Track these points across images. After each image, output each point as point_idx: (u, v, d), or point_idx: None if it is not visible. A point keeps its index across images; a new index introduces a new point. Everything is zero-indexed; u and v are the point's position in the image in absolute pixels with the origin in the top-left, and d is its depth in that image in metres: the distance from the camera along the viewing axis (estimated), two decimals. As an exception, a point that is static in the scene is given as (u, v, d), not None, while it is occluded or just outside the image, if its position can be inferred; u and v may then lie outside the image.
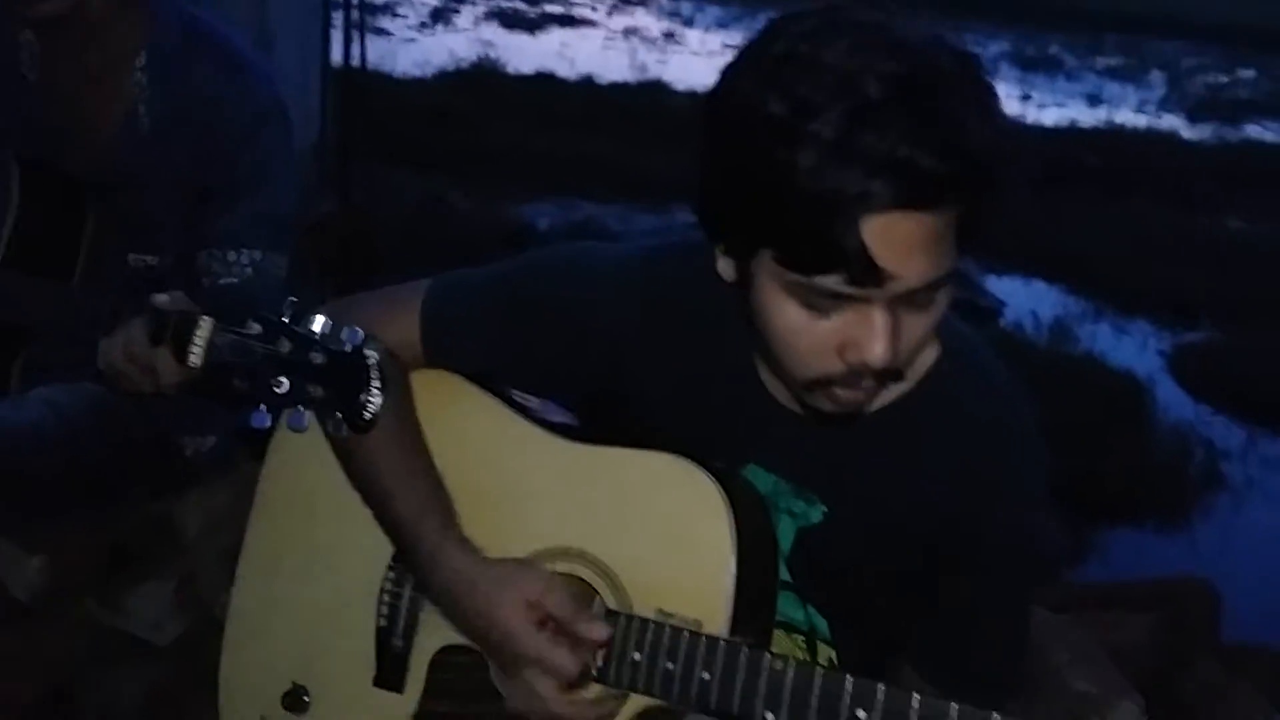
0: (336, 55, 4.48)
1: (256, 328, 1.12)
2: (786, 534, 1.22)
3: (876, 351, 0.99)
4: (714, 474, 1.17)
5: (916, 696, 1.03)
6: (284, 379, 1.10)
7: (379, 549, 1.27)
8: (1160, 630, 1.88)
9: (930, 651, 1.20)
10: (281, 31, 3.65)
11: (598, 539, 1.19)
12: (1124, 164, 9.07)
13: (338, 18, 4.47)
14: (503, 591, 1.16)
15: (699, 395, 1.21)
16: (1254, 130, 11.12)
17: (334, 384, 1.10)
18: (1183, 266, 6.80)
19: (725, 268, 1.07)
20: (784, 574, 1.23)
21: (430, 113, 7.74)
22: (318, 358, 1.10)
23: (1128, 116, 11.28)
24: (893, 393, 1.15)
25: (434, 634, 1.26)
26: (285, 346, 1.11)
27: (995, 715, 1.00)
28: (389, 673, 1.28)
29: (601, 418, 1.28)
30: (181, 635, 1.79)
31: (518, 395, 1.31)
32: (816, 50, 0.94)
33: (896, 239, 0.94)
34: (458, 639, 1.25)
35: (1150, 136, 10.29)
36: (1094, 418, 4.84)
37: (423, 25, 13.84)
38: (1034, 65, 14.19)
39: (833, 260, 0.95)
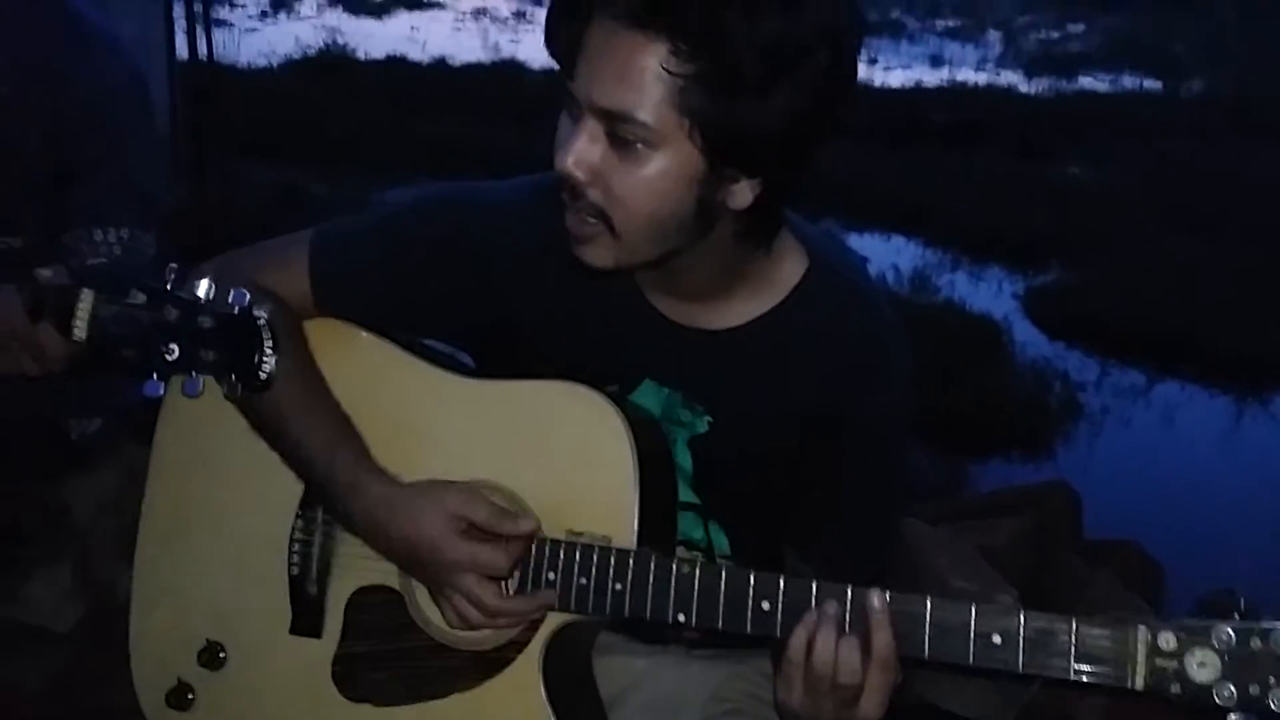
0: (181, 49, 4.36)
1: (140, 296, 1.11)
2: (683, 450, 1.28)
3: (565, 156, 1.08)
4: (611, 397, 1.22)
5: (815, 583, 1.10)
6: (174, 346, 1.09)
7: (284, 498, 1.29)
8: (1028, 532, 2.01)
9: (809, 535, 1.27)
10: (124, 25, 3.53)
11: (505, 470, 1.23)
12: (969, 119, 9.41)
13: (179, 10, 4.35)
14: (425, 508, 1.18)
15: (591, 319, 1.26)
16: (1087, 81, 11.64)
17: (226, 347, 1.10)
18: (1030, 213, 7.12)
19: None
20: (690, 497, 1.29)
21: (281, 101, 7.55)
22: (206, 321, 1.10)
23: (969, 75, 11.69)
24: (767, 302, 1.22)
25: (348, 576, 1.29)
26: (172, 313, 1.10)
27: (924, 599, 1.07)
28: (305, 619, 1.30)
29: (497, 354, 1.31)
30: (80, 619, 1.76)
31: (421, 342, 1.33)
32: None
33: (602, 49, 1.04)
34: (372, 579, 1.27)
35: (991, 92, 10.67)
36: (958, 360, 5.07)
37: (264, 14, 13.43)
38: (877, 30, 14.55)
39: (565, 55, 1.07)
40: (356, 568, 1.28)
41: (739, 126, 1.04)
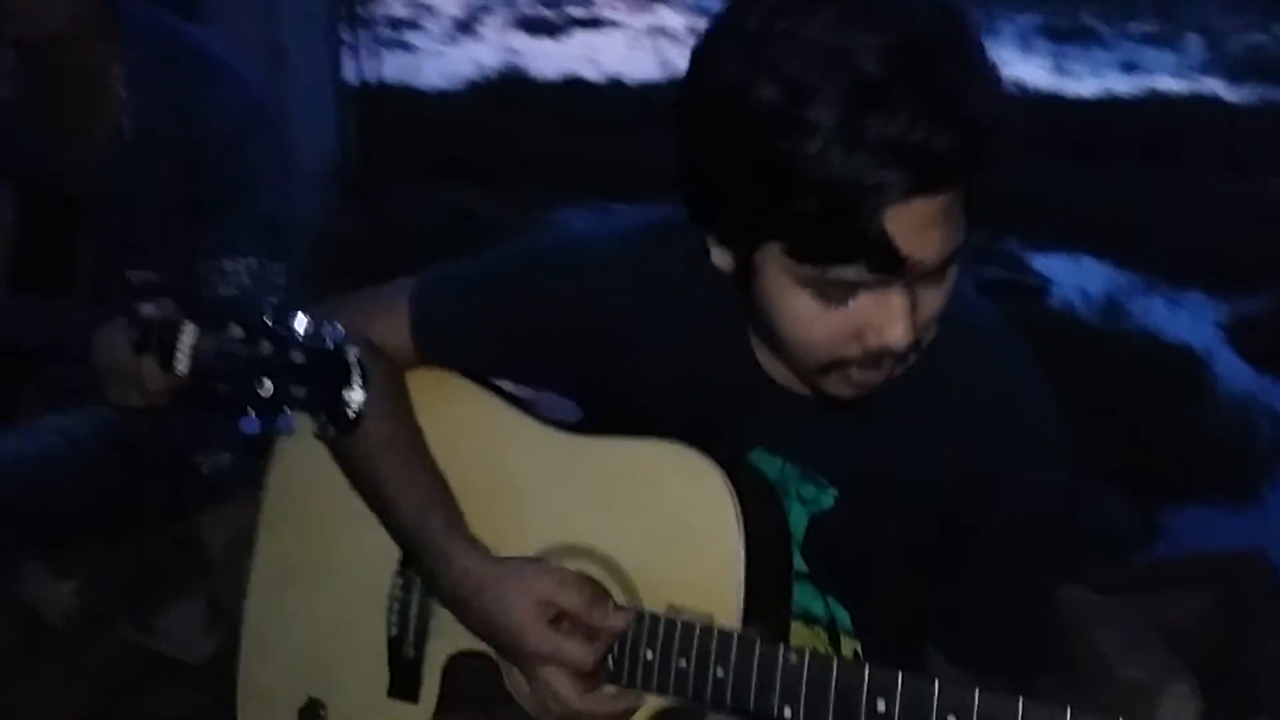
0: (356, 73, 4.48)
1: (239, 331, 1.10)
2: (799, 521, 1.18)
3: (898, 334, 0.95)
4: (719, 460, 1.13)
5: (937, 683, 0.98)
6: (267, 381, 1.08)
7: (385, 556, 1.25)
8: (1216, 608, 1.80)
9: (954, 633, 1.16)
10: (295, 51, 3.66)
11: (604, 534, 1.16)
12: (1166, 131, 8.87)
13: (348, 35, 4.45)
14: (513, 590, 1.13)
15: (697, 378, 1.18)
16: (1300, 88, 10.82)
17: (315, 382, 1.07)
18: (1233, 233, 6.64)
19: (721, 258, 1.02)
20: (800, 564, 1.19)
21: (458, 124, 7.75)
22: (298, 357, 1.07)
23: (1167, 83, 11.03)
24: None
25: (445, 640, 1.24)
26: (266, 348, 1.08)
27: (1021, 700, 0.95)
28: (403, 682, 1.25)
29: (601, 408, 1.25)
30: (215, 653, 1.79)
31: (515, 389, 1.28)
32: (797, 24, 0.88)
33: (915, 224, 0.89)
34: (470, 645, 1.22)
35: (1191, 101, 10.04)
36: (1151, 395, 4.74)
37: (447, 37, 13.91)
38: (1066, 36, 13.94)
39: (851, 252, 0.90)
40: (453, 631, 1.22)
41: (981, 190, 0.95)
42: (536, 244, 1.26)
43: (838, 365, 1.00)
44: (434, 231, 5.23)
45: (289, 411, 1.09)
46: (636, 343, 1.18)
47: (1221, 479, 4.16)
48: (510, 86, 9.48)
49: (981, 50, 0.94)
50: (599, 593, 1.14)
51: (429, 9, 16.06)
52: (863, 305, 0.95)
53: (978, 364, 1.12)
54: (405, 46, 12.58)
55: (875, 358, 0.98)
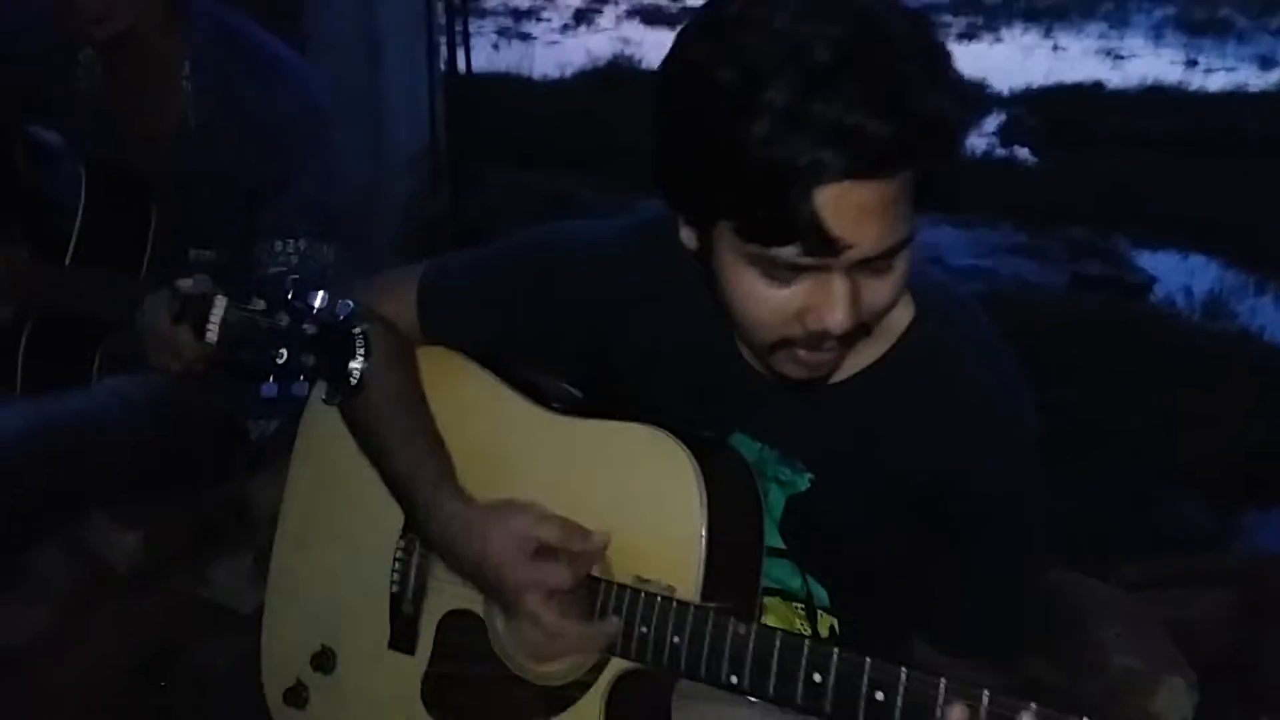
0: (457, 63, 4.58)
1: (261, 304, 1.22)
2: (777, 502, 1.23)
3: (837, 318, 0.99)
4: (696, 442, 1.19)
5: (868, 660, 1.03)
6: (283, 350, 1.19)
7: (393, 518, 1.34)
8: (1234, 608, 1.78)
9: (932, 613, 1.20)
10: (391, 39, 3.80)
11: (580, 509, 1.23)
12: (1293, 127, 8.46)
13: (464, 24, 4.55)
14: (495, 529, 1.20)
15: (686, 365, 1.23)
16: None
17: (324, 352, 1.18)
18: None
19: (687, 237, 1.07)
20: (778, 541, 1.24)
21: (562, 111, 7.86)
22: (310, 329, 1.18)
23: (1302, 78, 10.53)
24: (869, 354, 1.15)
25: (441, 598, 1.32)
26: (284, 320, 1.20)
27: (942, 681, 0.98)
28: (401, 636, 1.34)
29: (598, 391, 1.31)
30: (260, 602, 1.91)
31: (517, 369, 1.35)
32: (767, 13, 0.93)
33: (850, 208, 0.93)
34: (463, 604, 1.30)
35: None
36: (1247, 396, 4.59)
37: (565, 27, 14.04)
38: (1202, 29, 13.38)
39: (788, 232, 0.94)
40: (447, 591, 1.31)
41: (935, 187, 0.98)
42: (538, 236, 1.33)
43: (784, 344, 1.04)
44: (525, 214, 5.35)
45: (303, 379, 1.19)
46: (631, 331, 1.25)
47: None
48: (617, 75, 9.55)
49: (941, 53, 0.97)
50: (574, 526, 1.21)
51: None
52: (806, 287, 0.99)
53: (954, 352, 1.15)
54: (524, 37, 12.77)
55: (817, 339, 1.02)
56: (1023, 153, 8.49)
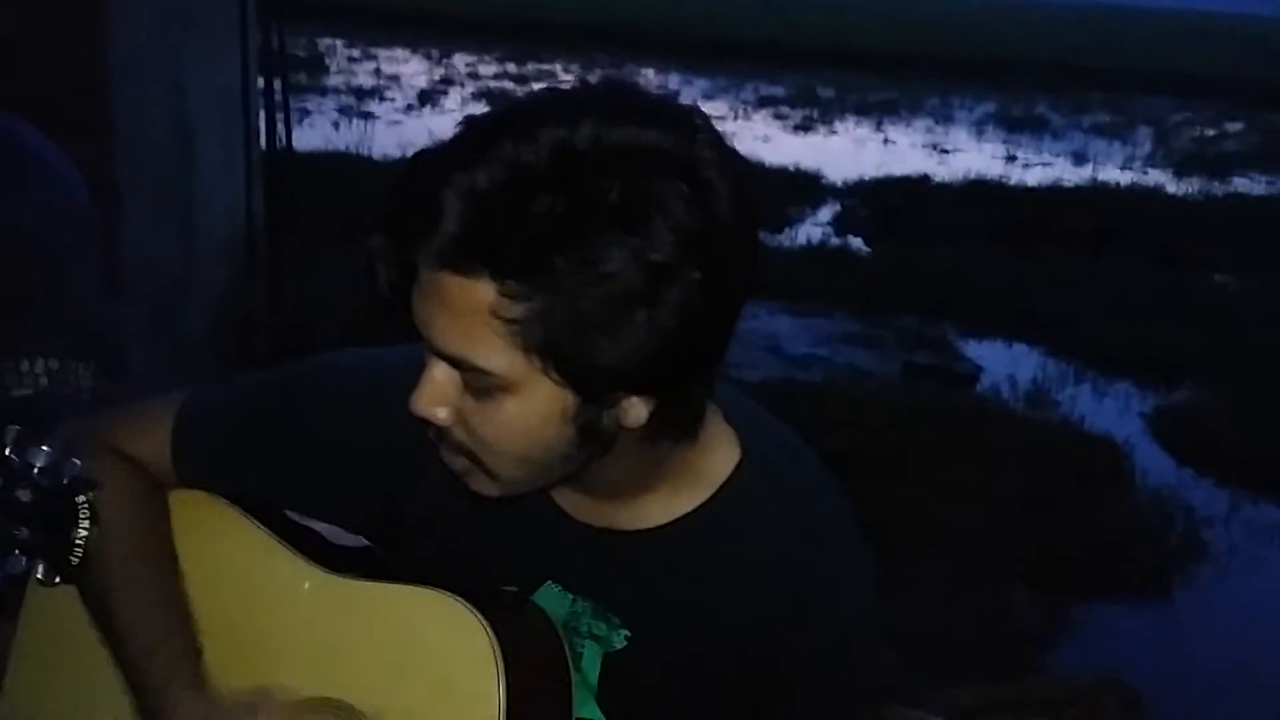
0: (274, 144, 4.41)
1: None
2: (593, 661, 1.10)
3: (415, 397, 0.96)
4: (493, 604, 1.05)
5: None
6: None
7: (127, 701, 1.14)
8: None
9: None
10: (203, 122, 3.60)
11: (360, 688, 1.06)
12: (1109, 222, 9.03)
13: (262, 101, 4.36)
14: None
15: (483, 511, 1.09)
16: (1241, 183, 11.07)
17: (40, 524, 0.98)
18: (1168, 325, 6.72)
19: None
20: (593, 708, 1.11)
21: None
22: (24, 495, 0.98)
23: (1113, 174, 11.26)
24: (687, 501, 1.06)
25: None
26: None
27: None
28: None
29: (388, 542, 1.16)
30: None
31: (300, 520, 1.19)
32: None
33: (424, 292, 0.91)
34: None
35: (1136, 192, 10.25)
36: (1068, 486, 4.73)
37: (409, 107, 13.96)
38: (1020, 125, 14.24)
39: (396, 290, 0.94)
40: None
41: (596, 364, 0.88)
42: (314, 365, 1.18)
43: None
44: (357, 298, 5.16)
45: (18, 552, 0.99)
46: (414, 474, 1.10)
47: (1133, 575, 4.14)
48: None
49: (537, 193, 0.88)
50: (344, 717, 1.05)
51: (395, 79, 16.17)
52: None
53: (779, 502, 1.07)
54: (366, 116, 12.63)
55: (433, 431, 0.98)
56: (856, 242, 8.77)
